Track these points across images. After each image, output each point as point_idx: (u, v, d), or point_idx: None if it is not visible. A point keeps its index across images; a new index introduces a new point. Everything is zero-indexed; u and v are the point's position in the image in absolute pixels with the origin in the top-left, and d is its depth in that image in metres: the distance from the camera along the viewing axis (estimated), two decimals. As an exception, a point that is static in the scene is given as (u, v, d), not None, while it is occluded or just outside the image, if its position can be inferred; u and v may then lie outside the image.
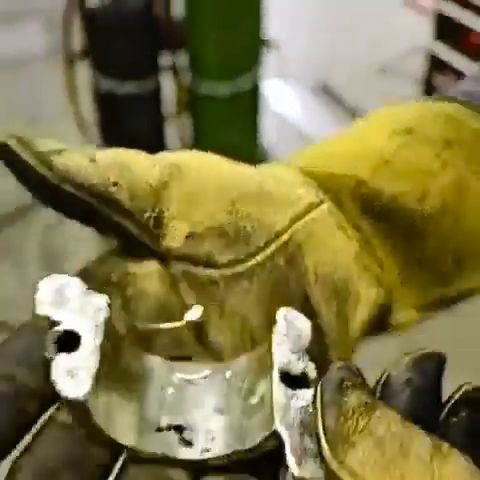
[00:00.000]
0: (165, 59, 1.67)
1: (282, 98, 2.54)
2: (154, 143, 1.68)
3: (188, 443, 0.29)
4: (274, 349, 0.28)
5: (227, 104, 1.57)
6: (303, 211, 0.34)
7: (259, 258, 0.33)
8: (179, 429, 0.29)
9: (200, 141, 1.67)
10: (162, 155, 0.35)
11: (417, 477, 0.23)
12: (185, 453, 0.28)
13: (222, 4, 1.49)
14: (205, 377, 0.31)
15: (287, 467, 0.26)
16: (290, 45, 2.54)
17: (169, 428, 0.29)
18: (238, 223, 0.33)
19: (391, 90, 2.54)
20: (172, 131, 1.81)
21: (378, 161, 0.36)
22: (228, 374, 0.30)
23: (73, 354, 0.27)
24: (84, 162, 0.31)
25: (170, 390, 0.30)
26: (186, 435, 0.29)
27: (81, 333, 0.27)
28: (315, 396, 0.25)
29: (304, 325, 0.29)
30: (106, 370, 0.27)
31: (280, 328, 0.28)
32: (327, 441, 0.24)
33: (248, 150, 1.67)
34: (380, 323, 0.37)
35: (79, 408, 0.26)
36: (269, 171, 0.36)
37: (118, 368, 0.29)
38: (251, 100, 1.60)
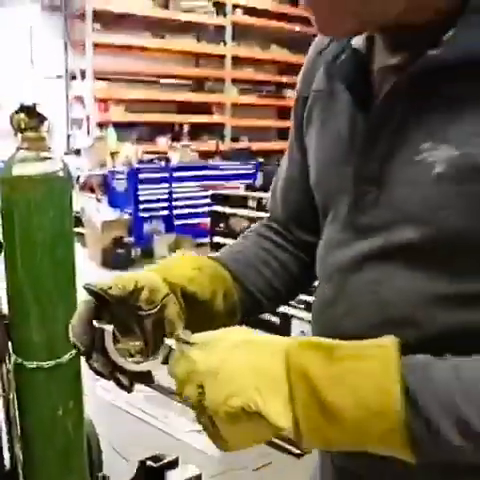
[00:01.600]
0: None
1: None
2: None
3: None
4: None
5: (49, 375, 1.90)
6: (165, 295, 0.85)
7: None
8: None
9: (25, 412, 1.95)
10: None
11: None
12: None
13: (43, 310, 1.89)
14: None
15: None
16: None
17: None
18: None
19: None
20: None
21: (187, 280, 0.89)
22: None
23: None
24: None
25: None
26: None
27: None
28: None
29: None
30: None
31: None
32: None
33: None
34: None
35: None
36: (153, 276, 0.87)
37: None
38: (71, 370, 1.95)
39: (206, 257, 0.98)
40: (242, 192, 3.52)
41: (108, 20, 9.26)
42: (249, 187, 3.52)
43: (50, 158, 1.95)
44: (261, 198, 3.22)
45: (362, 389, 0.64)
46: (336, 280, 0.83)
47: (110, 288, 0.80)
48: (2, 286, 2.00)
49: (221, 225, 3.49)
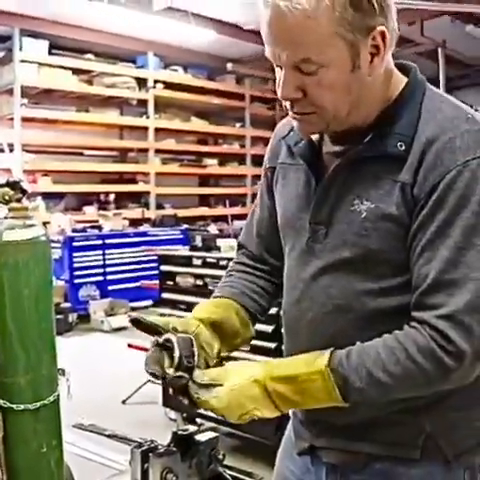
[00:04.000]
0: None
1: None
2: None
3: None
4: None
5: (35, 415, 2.14)
6: (196, 327, 1.27)
7: None
8: None
9: (13, 450, 2.16)
10: None
11: None
12: None
13: (29, 356, 2.14)
14: None
15: None
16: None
17: None
18: None
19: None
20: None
21: (209, 314, 1.37)
22: None
23: None
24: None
25: None
26: None
27: None
28: None
29: None
30: None
31: None
32: None
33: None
34: None
35: None
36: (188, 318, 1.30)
37: None
38: (53, 411, 2.19)
39: (216, 298, 1.43)
40: (187, 252, 3.88)
41: (35, 95, 9.54)
42: (192, 248, 3.87)
43: (34, 225, 2.23)
44: (205, 257, 3.59)
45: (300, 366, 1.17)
46: (300, 287, 1.29)
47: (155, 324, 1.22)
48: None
49: (169, 282, 3.81)
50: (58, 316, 6.88)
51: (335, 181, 1.23)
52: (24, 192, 2.34)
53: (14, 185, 2.31)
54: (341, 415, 1.16)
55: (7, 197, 2.31)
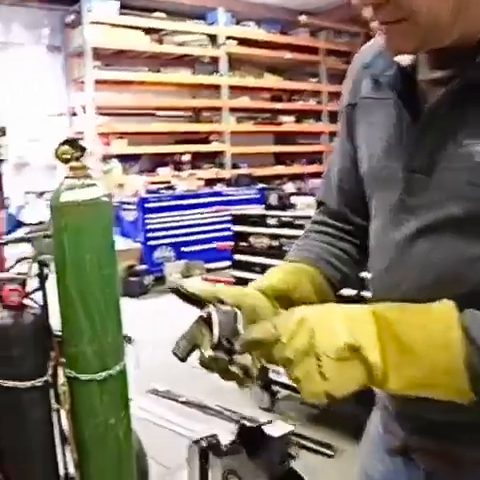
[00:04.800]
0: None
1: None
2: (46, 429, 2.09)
3: None
4: None
5: (101, 386, 2.04)
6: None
7: None
8: None
9: (80, 423, 2.08)
10: None
11: None
12: None
13: (93, 324, 2.03)
14: None
15: None
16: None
17: None
18: None
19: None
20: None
21: (276, 281, 1.11)
22: None
23: None
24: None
25: None
26: None
27: None
28: None
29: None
30: None
31: None
32: None
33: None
34: None
35: None
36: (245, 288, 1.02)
37: None
38: (121, 381, 2.08)
39: (289, 263, 1.19)
40: (261, 211, 3.70)
41: (106, 57, 9.50)
42: (267, 207, 3.69)
43: (94, 185, 2.10)
44: (280, 216, 3.39)
45: (430, 328, 0.81)
46: (393, 253, 1.02)
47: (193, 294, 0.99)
48: (54, 307, 2.15)
49: (242, 244, 3.65)
50: (133, 278, 6.89)
51: (437, 116, 0.95)
52: (83, 150, 2.22)
53: (73, 143, 2.18)
54: (444, 410, 0.88)
55: (67, 156, 2.20)
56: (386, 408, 1.10)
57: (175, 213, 7.74)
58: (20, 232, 6.70)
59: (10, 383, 2.00)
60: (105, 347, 2.08)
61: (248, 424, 1.01)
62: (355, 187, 1.18)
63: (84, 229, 2.06)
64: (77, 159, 2.14)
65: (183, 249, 7.69)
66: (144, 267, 7.15)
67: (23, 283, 2.03)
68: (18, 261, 2.29)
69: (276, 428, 0.99)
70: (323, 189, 1.32)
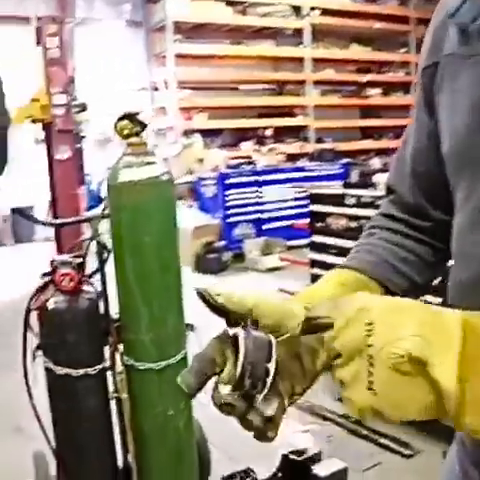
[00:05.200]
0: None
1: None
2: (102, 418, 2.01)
3: None
4: None
5: (160, 375, 1.94)
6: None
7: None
8: None
9: (138, 412, 1.99)
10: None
11: None
12: None
13: (151, 310, 1.92)
14: None
15: None
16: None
17: None
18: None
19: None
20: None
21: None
22: None
23: None
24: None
25: None
26: None
27: None
28: None
29: None
30: None
31: None
32: None
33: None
34: None
35: None
36: (288, 304, 0.77)
37: None
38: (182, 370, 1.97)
39: (343, 270, 0.93)
40: (339, 190, 3.48)
41: (187, 30, 9.40)
42: (346, 185, 3.47)
43: (154, 163, 1.98)
44: (359, 195, 3.17)
45: None
46: None
47: (218, 295, 0.73)
48: (113, 291, 2.05)
49: (319, 224, 3.46)
50: (212, 255, 6.82)
51: None
52: (144, 126, 2.09)
53: (132, 118, 2.06)
54: None
55: (126, 131, 2.08)
56: (463, 443, 0.88)
57: (255, 189, 7.60)
58: (101, 208, 6.71)
59: (64, 370, 1.92)
60: (164, 335, 1.97)
61: (292, 456, 0.83)
62: (434, 171, 0.91)
63: (142, 210, 1.94)
64: (137, 135, 2.02)
65: (263, 226, 7.55)
66: (223, 243, 7.06)
67: (80, 266, 1.93)
68: (76, 243, 2.20)
69: (325, 465, 0.81)
70: (394, 172, 1.03)
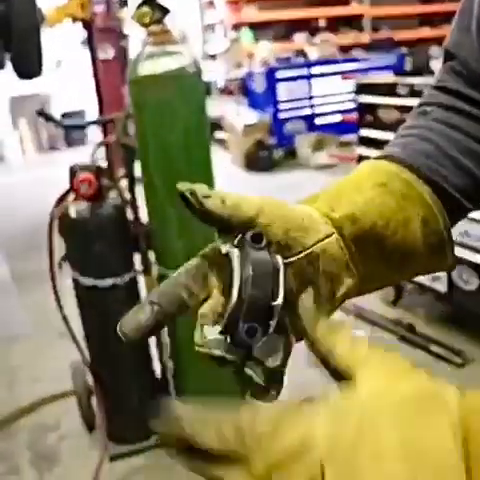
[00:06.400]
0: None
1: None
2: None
3: None
4: None
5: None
6: (322, 237, 0.54)
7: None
8: None
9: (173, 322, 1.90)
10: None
11: None
12: None
13: (181, 215, 1.79)
14: None
15: None
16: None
17: None
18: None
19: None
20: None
21: (361, 206, 0.58)
22: None
23: None
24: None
25: None
26: None
27: None
28: None
29: None
30: None
31: None
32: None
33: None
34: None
35: None
36: (304, 210, 0.56)
37: None
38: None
39: (385, 164, 0.63)
40: (390, 79, 3.20)
41: None
42: (398, 73, 3.17)
43: (177, 52, 1.79)
44: (413, 84, 2.89)
45: None
46: None
47: (206, 197, 0.51)
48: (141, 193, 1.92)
49: (368, 117, 3.21)
50: (263, 152, 6.62)
51: None
52: (165, 11, 1.90)
53: (152, 3, 1.87)
54: None
55: (147, 19, 1.89)
56: None
57: (307, 82, 7.24)
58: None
59: (90, 281, 1.82)
60: (196, 242, 1.84)
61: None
62: None
63: (166, 106, 1.78)
64: (158, 22, 1.83)
65: (315, 121, 7.24)
66: (273, 141, 6.83)
67: (101, 171, 1.79)
68: (99, 145, 2.05)
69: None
70: (456, 31, 0.71)
